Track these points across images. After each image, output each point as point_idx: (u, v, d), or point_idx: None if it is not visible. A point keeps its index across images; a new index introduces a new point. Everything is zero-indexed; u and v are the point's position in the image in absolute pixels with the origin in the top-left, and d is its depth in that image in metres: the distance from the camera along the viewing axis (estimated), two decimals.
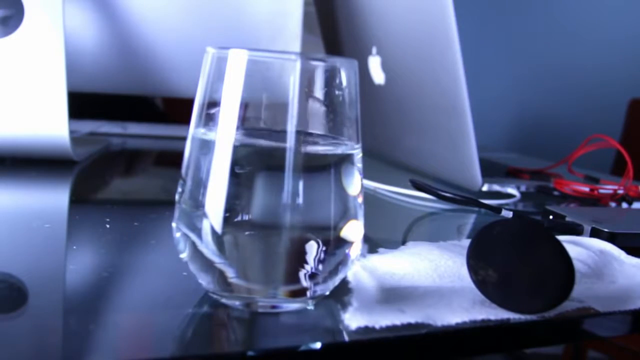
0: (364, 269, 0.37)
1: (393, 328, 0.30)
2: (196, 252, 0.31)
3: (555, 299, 0.32)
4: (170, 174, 0.73)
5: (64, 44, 0.60)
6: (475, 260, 0.33)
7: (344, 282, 0.34)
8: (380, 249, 0.41)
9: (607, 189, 0.67)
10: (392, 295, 0.34)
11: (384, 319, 0.30)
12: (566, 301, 0.33)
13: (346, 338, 0.29)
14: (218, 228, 0.30)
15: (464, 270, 0.35)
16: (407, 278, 0.36)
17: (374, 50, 0.78)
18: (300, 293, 0.31)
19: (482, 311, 0.33)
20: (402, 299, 0.34)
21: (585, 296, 0.36)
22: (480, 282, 0.33)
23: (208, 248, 0.30)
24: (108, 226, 0.45)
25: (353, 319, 0.30)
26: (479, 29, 2.41)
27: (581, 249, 0.43)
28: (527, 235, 0.33)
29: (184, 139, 0.32)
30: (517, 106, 2.30)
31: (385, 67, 0.77)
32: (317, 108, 0.31)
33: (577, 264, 0.39)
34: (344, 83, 0.32)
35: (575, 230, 0.49)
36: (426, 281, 0.36)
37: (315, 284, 0.31)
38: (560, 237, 0.46)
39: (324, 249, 0.30)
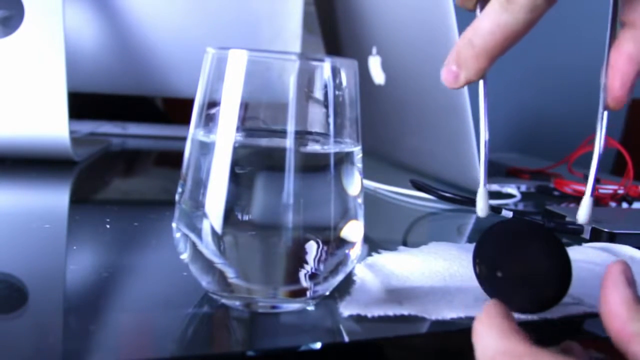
0: (373, 266, 0.37)
1: (386, 319, 0.30)
2: (196, 253, 0.31)
3: (548, 299, 0.32)
4: (170, 174, 0.73)
5: (64, 44, 0.60)
6: (480, 259, 0.33)
7: (346, 281, 0.34)
8: (401, 247, 0.42)
9: (607, 189, 0.67)
10: (396, 290, 0.34)
11: (378, 309, 0.31)
12: (573, 305, 0.33)
13: (346, 338, 0.29)
14: (218, 228, 0.30)
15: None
16: (416, 275, 0.37)
17: (374, 50, 0.78)
18: (300, 293, 0.31)
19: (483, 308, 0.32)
20: (405, 294, 0.34)
21: (591, 298, 0.35)
22: (483, 280, 0.33)
23: (208, 248, 0.30)
24: (108, 226, 0.45)
25: (347, 307, 0.31)
26: None
27: (605, 253, 0.42)
28: (527, 234, 0.33)
29: (184, 139, 0.32)
30: (517, 106, 2.30)
31: (385, 67, 0.77)
32: (317, 108, 0.31)
33: (585, 266, 0.39)
34: (344, 83, 0.32)
35: (575, 230, 0.49)
36: (435, 279, 0.36)
37: (316, 284, 0.31)
38: (592, 244, 0.45)
39: (324, 249, 0.30)
